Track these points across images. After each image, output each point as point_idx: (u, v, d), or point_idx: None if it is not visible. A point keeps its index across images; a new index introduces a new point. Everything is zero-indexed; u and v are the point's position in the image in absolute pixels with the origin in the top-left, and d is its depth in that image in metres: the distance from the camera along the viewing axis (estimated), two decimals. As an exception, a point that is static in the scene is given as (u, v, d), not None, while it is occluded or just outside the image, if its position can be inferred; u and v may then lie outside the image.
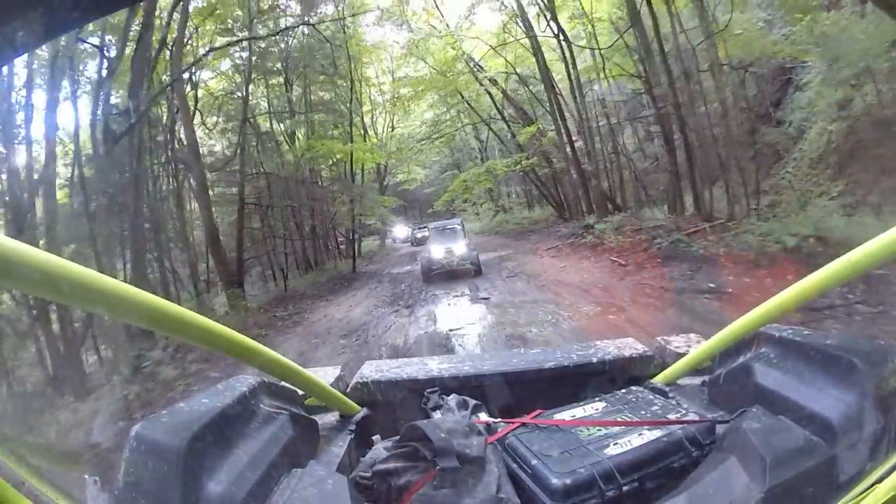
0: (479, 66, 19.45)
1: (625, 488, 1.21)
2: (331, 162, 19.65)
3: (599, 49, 16.65)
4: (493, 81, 19.63)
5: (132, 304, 0.91)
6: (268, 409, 1.27)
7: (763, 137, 14.60)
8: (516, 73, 19.34)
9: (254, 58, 16.82)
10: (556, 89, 17.94)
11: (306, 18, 16.37)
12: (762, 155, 14.04)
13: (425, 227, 19.84)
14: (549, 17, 16.17)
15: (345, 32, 18.31)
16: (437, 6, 18.44)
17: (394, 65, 21.41)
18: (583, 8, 16.63)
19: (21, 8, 0.71)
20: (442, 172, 25.98)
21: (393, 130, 22.37)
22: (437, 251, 17.27)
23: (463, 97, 20.61)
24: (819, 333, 1.40)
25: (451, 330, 10.75)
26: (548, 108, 18.40)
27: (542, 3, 16.38)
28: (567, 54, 16.38)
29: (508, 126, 21.18)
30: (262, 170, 17.77)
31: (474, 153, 24.94)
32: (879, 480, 0.97)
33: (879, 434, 1.13)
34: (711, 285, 10.31)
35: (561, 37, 16.10)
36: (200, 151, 16.04)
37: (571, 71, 16.42)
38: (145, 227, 13.71)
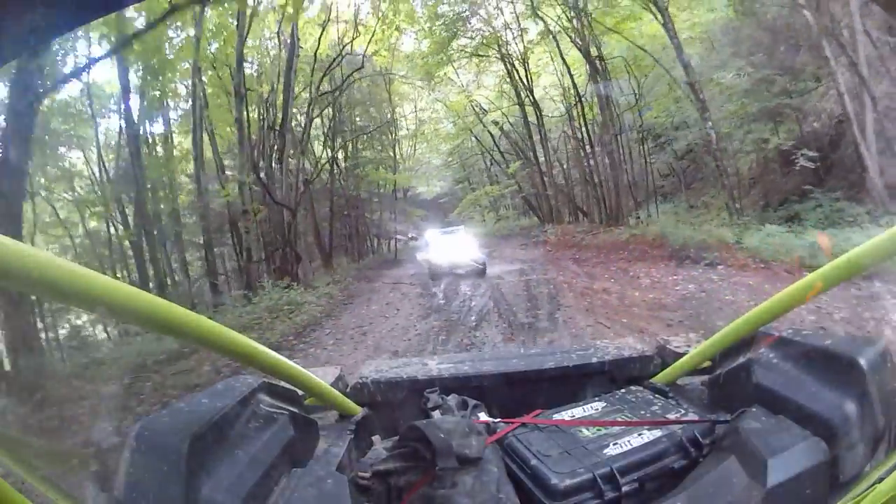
0: (484, 110, 19.88)
1: (624, 488, 1.01)
2: (370, 180, 19.29)
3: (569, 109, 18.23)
4: (495, 123, 20.10)
5: (132, 305, 0.76)
6: (268, 410, 1.07)
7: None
8: (508, 122, 19.79)
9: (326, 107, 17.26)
10: (531, 137, 19.30)
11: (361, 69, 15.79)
12: (635, 186, 16.14)
13: (448, 230, 17.64)
14: (526, 91, 17.42)
15: (386, 82, 18.10)
16: (455, 71, 18.53)
17: (419, 105, 21.11)
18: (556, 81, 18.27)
19: (21, 8, 0.59)
20: (455, 185, 26.06)
21: (415, 153, 22.25)
22: (438, 257, 15.03)
23: (472, 132, 20.90)
24: (819, 333, 1.18)
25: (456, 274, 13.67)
26: (528, 148, 19.73)
27: (521, 83, 17.47)
28: (536, 114, 17.90)
29: (503, 157, 21.55)
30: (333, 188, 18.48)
31: (482, 171, 24.76)
32: (879, 480, 0.82)
33: (879, 434, 0.95)
34: (576, 256, 13.38)
35: (533, 102, 17.40)
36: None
37: (540, 126, 17.94)
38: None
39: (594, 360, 1.57)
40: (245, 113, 13.04)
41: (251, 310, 10.28)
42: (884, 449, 0.95)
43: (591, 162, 17.80)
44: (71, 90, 12.39)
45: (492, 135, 21.28)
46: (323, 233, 17.44)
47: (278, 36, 14.73)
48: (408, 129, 21.20)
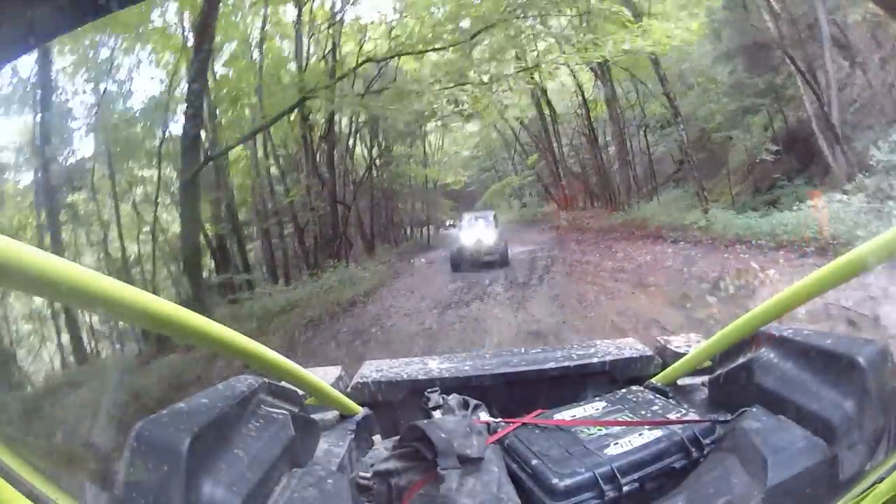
0: (505, 106, 20.28)
1: (625, 488, 1.04)
2: (403, 173, 21.38)
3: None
4: (516, 118, 21.15)
5: (132, 305, 0.78)
6: (268, 410, 1.08)
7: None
8: (527, 118, 21.02)
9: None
10: (547, 131, 21.03)
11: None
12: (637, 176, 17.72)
13: (479, 215, 17.90)
14: (540, 91, 18.87)
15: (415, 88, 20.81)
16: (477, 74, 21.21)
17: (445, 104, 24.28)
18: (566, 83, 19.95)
19: (21, 8, 0.64)
20: (482, 174, 27.40)
21: (443, 146, 23.66)
22: (467, 240, 14.82)
23: (495, 126, 22.07)
24: (819, 333, 1.19)
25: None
26: (545, 142, 21.37)
27: (537, 87, 18.93)
28: (550, 111, 19.71)
29: (523, 149, 23.26)
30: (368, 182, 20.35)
31: (506, 161, 26.37)
32: (879, 480, 0.83)
33: (879, 434, 0.97)
34: (578, 238, 15.25)
35: (546, 101, 19.30)
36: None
37: (554, 122, 19.90)
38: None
39: (595, 360, 1.61)
40: (310, 128, 15.12)
41: (323, 283, 12.83)
42: (884, 449, 0.96)
43: (599, 154, 19.17)
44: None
45: (513, 129, 22.45)
46: (365, 223, 19.00)
47: (324, 56, 16.06)
48: (436, 125, 21.55)
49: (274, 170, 16.47)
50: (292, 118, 15.49)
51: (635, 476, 1.07)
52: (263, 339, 6.83)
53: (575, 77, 18.12)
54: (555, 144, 20.83)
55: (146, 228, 13.60)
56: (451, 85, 16.32)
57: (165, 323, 0.86)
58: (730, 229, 10.70)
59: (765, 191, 12.21)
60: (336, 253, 15.47)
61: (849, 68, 11.40)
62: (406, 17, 16.93)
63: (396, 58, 16.96)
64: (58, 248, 10.99)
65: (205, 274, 12.63)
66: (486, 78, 17.35)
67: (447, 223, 22.40)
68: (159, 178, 13.69)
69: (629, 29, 14.67)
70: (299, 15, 15.15)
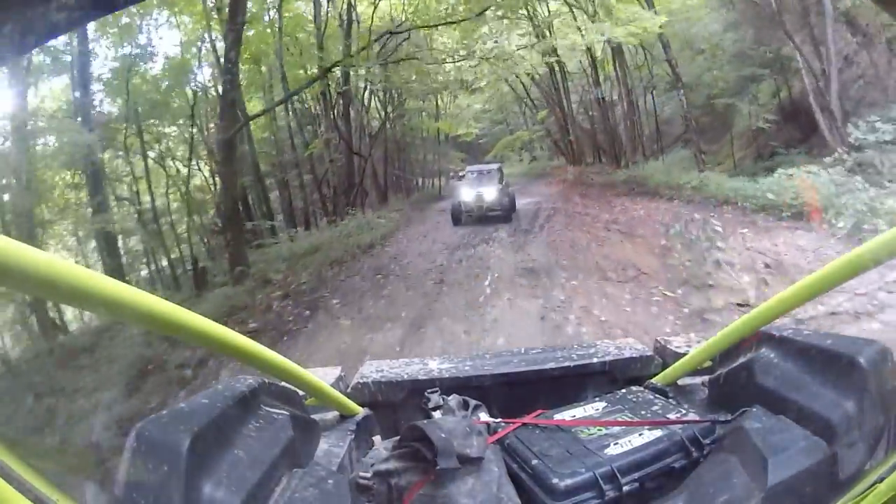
0: (515, 63, 19.99)
1: (625, 488, 1.04)
2: (415, 126, 21.99)
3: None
4: (527, 73, 21.24)
5: (132, 305, 0.78)
6: (268, 410, 1.08)
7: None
8: (538, 74, 21.13)
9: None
10: (557, 88, 21.35)
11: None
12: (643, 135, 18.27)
13: (482, 168, 17.64)
14: (551, 49, 18.63)
15: (428, 41, 19.62)
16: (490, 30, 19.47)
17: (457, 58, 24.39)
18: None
19: (21, 8, 0.65)
20: (493, 126, 27.68)
21: (455, 100, 23.64)
22: (467, 195, 14.39)
23: (506, 81, 21.92)
24: (819, 333, 1.21)
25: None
26: (554, 98, 21.67)
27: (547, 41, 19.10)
28: (560, 68, 19.83)
29: (534, 104, 23.58)
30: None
31: (517, 115, 26.64)
32: (879, 480, 0.83)
33: (879, 434, 0.97)
34: (582, 192, 15.83)
35: (557, 59, 19.09)
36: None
37: (563, 79, 20.28)
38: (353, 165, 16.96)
39: (595, 360, 1.60)
40: (328, 85, 15.56)
41: (342, 229, 13.67)
42: (884, 449, 0.96)
43: (606, 113, 19.31)
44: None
45: (523, 84, 22.64)
46: (379, 174, 19.52)
47: (340, 14, 16.33)
48: (448, 78, 21.53)
49: (292, 123, 17.11)
50: (310, 73, 16.11)
51: (635, 476, 1.06)
52: (293, 276, 8.74)
53: (583, 36, 18.64)
54: (564, 101, 21.06)
55: (162, 181, 14.31)
56: (464, 54, 17.27)
57: (165, 323, 0.85)
58: (720, 191, 11.26)
59: (766, 157, 12.69)
60: (352, 202, 16.30)
61: (856, 45, 11.53)
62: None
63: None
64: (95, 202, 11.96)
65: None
66: (497, 39, 18.04)
67: (459, 173, 22.97)
68: (192, 136, 14.42)
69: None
70: None
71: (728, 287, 6.59)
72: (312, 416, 1.30)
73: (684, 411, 1.26)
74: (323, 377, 1.44)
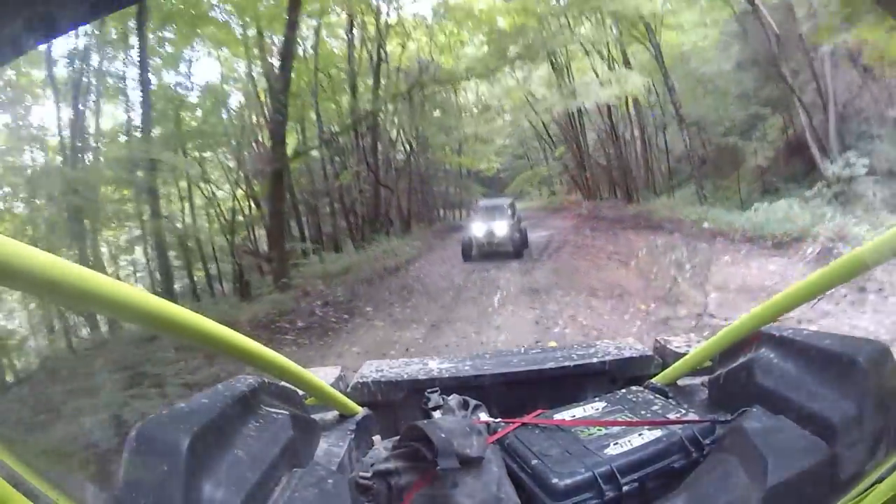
0: (536, 100, 22.25)
1: (625, 488, 1.05)
2: (437, 159, 23.31)
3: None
4: (546, 111, 22.41)
5: (132, 305, 0.80)
6: (268, 410, 1.09)
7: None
8: (556, 112, 22.10)
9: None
10: (573, 126, 22.58)
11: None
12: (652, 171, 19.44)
13: (493, 203, 17.86)
14: (569, 89, 19.67)
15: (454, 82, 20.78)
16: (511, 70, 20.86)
17: (480, 95, 24.03)
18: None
19: (21, 8, 0.65)
20: (514, 161, 28.89)
21: (477, 134, 24.27)
22: (478, 230, 14.27)
23: (527, 118, 23.74)
24: (819, 333, 1.19)
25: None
26: (572, 135, 22.98)
27: (565, 81, 20.34)
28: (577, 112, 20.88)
29: (552, 141, 24.88)
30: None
31: (537, 150, 27.65)
32: (879, 480, 0.84)
33: (879, 434, 0.97)
34: (594, 225, 17.01)
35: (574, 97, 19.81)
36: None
37: (580, 117, 21.42)
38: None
39: (594, 360, 1.61)
40: (358, 123, 16.79)
41: (369, 253, 14.86)
42: (884, 449, 0.96)
43: (620, 150, 20.28)
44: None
45: (543, 123, 23.76)
46: (402, 205, 20.46)
47: (370, 54, 17.71)
48: (472, 114, 23.31)
49: (324, 155, 18.32)
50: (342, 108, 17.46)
51: (635, 476, 1.07)
52: (329, 290, 10.65)
53: (598, 76, 18.93)
54: (581, 138, 22.02)
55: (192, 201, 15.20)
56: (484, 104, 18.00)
57: (166, 323, 0.86)
58: (716, 224, 12.09)
59: (772, 192, 13.18)
60: (378, 229, 17.49)
61: (859, 80, 11.95)
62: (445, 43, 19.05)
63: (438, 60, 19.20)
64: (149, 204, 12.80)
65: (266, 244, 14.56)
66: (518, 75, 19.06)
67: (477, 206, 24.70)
68: (239, 163, 15.49)
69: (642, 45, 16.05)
70: (351, 27, 17.10)
71: (694, 302, 7.59)
72: (312, 416, 1.30)
73: (684, 411, 1.25)
74: (323, 377, 1.44)
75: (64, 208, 11.38)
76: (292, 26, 12.90)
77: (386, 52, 18.44)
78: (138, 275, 14.02)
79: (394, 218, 20.15)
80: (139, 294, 0.82)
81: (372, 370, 1.67)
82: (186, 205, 14.99)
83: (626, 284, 9.38)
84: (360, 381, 1.60)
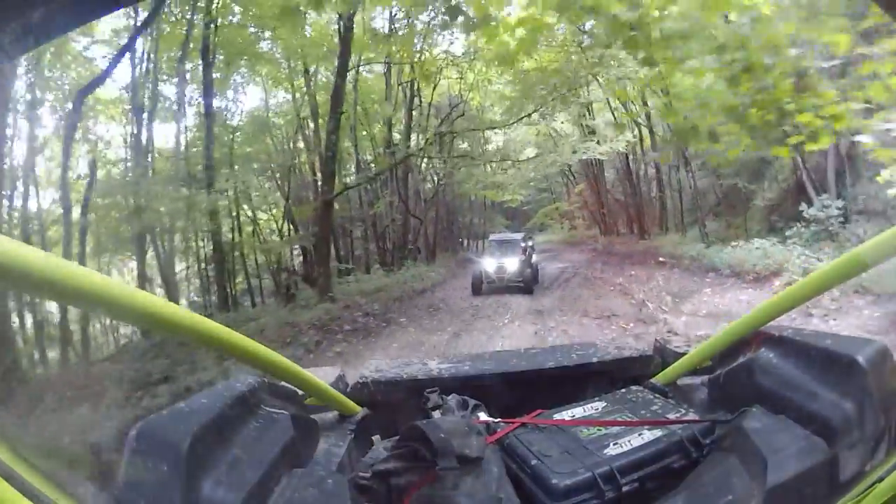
0: (560, 136, 23.80)
1: (624, 488, 1.07)
2: (463, 192, 24.17)
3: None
4: (573, 151, 22.31)
5: (132, 305, 0.82)
6: (268, 409, 1.11)
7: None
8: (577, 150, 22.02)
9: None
10: (593, 165, 24.00)
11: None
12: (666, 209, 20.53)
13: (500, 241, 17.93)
14: (589, 129, 21.50)
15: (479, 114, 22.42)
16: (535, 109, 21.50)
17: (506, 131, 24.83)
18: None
19: (21, 8, 0.67)
20: (538, 194, 30.40)
21: (501, 171, 25.39)
22: (489, 265, 14.57)
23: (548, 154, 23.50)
24: (819, 333, 1.22)
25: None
26: (591, 172, 24.27)
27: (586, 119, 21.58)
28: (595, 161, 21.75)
29: (574, 176, 26.44)
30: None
31: (561, 184, 29.65)
32: (879, 480, 0.85)
33: (879, 434, 0.99)
34: (605, 259, 18.63)
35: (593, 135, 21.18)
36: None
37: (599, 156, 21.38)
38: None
39: (594, 360, 1.64)
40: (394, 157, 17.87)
41: (399, 277, 16.27)
42: (884, 449, 0.98)
43: (636, 189, 21.50)
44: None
45: (569, 168, 24.83)
46: (429, 233, 21.62)
47: (403, 93, 19.15)
48: (497, 147, 24.38)
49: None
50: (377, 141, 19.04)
51: (635, 476, 1.08)
52: (367, 305, 12.40)
53: (615, 117, 20.09)
54: (599, 175, 23.07)
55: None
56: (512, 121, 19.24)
57: (165, 323, 0.88)
58: (711, 261, 13.32)
59: (777, 230, 14.02)
60: (406, 255, 18.75)
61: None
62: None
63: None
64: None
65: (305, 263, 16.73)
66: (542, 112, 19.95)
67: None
68: (280, 189, 17.39)
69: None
70: (389, 67, 18.55)
71: (665, 322, 8.91)
72: (312, 416, 1.32)
73: (684, 411, 1.26)
74: (323, 377, 1.45)
75: (128, 219, 13.08)
76: (342, 74, 14.41)
77: (419, 90, 19.86)
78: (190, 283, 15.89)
79: (421, 246, 21.26)
80: (139, 294, 0.83)
81: (372, 370, 1.68)
82: (233, 223, 16.58)
83: (617, 309, 10.72)
84: (360, 381, 1.61)
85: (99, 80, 12.66)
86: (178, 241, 15.07)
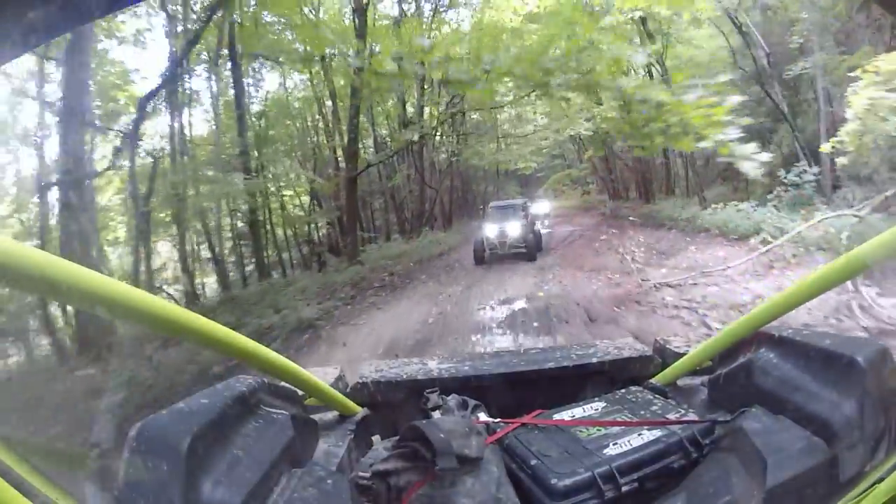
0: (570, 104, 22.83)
1: (624, 488, 1.08)
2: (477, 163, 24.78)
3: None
4: (586, 120, 23.87)
5: (132, 305, 0.84)
6: (268, 409, 1.12)
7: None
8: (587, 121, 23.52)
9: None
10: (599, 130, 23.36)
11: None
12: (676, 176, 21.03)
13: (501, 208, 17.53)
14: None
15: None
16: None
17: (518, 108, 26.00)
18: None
19: (21, 8, 0.68)
20: (552, 161, 30.79)
21: (515, 137, 26.98)
22: (490, 231, 14.28)
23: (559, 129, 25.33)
24: (819, 333, 1.21)
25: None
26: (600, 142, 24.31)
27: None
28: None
29: (583, 144, 26.95)
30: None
31: (573, 151, 30.09)
32: (879, 480, 0.86)
33: (879, 434, 1.00)
34: (612, 223, 19.36)
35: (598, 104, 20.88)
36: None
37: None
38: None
39: (594, 360, 1.66)
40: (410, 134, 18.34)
41: (417, 243, 17.39)
42: (884, 449, 0.99)
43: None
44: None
45: (578, 136, 24.84)
46: (445, 202, 22.29)
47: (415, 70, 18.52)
48: (509, 116, 25.48)
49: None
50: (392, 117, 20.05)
51: (634, 476, 1.10)
52: (390, 268, 14.18)
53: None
54: (608, 141, 23.62)
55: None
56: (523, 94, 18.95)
57: (165, 323, 0.89)
58: (704, 223, 13.92)
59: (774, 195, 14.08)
60: (424, 224, 19.68)
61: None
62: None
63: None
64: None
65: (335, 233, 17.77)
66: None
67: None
68: (304, 168, 18.55)
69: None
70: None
71: (647, 275, 10.05)
72: (312, 416, 1.33)
73: (683, 411, 1.27)
74: (323, 377, 1.48)
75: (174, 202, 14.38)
76: (358, 71, 15.15)
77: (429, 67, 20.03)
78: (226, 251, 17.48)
79: (437, 214, 21.72)
80: (139, 294, 0.83)
81: (371, 370, 1.70)
82: (263, 201, 17.75)
83: (608, 264, 11.77)
84: (360, 381, 1.62)
85: (159, 88, 14.00)
86: (212, 220, 16.12)
